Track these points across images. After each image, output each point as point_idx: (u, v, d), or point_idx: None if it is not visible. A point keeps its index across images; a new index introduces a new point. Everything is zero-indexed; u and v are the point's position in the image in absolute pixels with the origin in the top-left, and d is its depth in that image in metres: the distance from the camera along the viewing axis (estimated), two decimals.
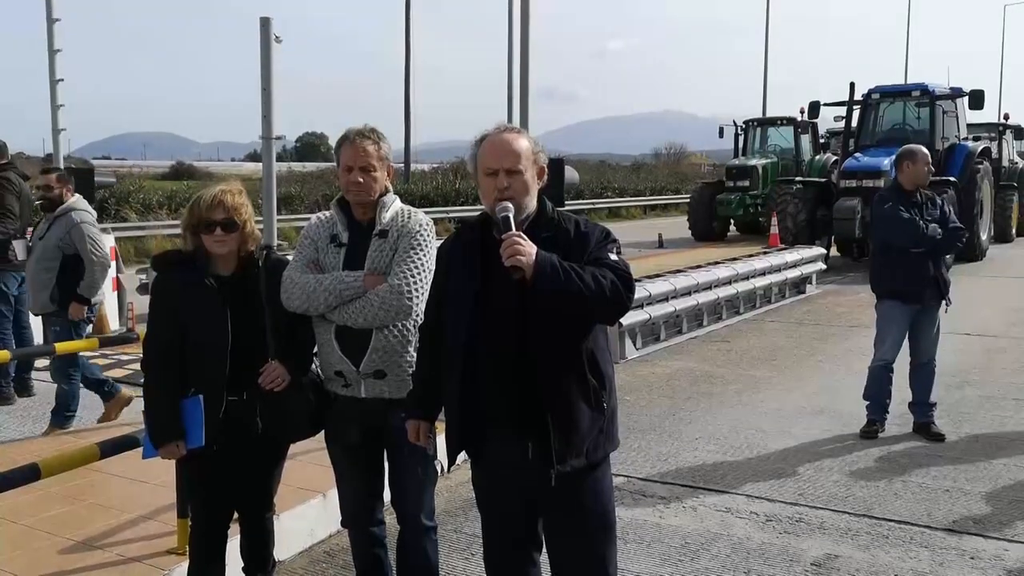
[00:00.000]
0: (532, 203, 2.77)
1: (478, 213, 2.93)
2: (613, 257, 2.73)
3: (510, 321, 2.69)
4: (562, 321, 2.67)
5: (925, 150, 6.26)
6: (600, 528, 2.87)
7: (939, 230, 6.10)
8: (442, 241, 3.06)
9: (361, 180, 3.22)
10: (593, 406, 2.74)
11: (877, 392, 6.43)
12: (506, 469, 2.82)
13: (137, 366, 7.85)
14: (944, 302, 6.28)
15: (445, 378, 2.88)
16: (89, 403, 7.06)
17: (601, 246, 2.75)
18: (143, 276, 10.85)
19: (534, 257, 2.56)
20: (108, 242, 10.45)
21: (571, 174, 18.78)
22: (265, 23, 6.15)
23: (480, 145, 2.80)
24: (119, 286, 10.44)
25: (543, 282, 2.56)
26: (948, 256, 6.43)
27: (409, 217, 3.32)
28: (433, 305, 3.02)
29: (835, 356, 9.21)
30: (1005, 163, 22.11)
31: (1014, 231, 21.79)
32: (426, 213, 3.44)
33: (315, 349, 3.40)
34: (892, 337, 6.36)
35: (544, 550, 2.98)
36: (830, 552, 4.42)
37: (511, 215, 2.66)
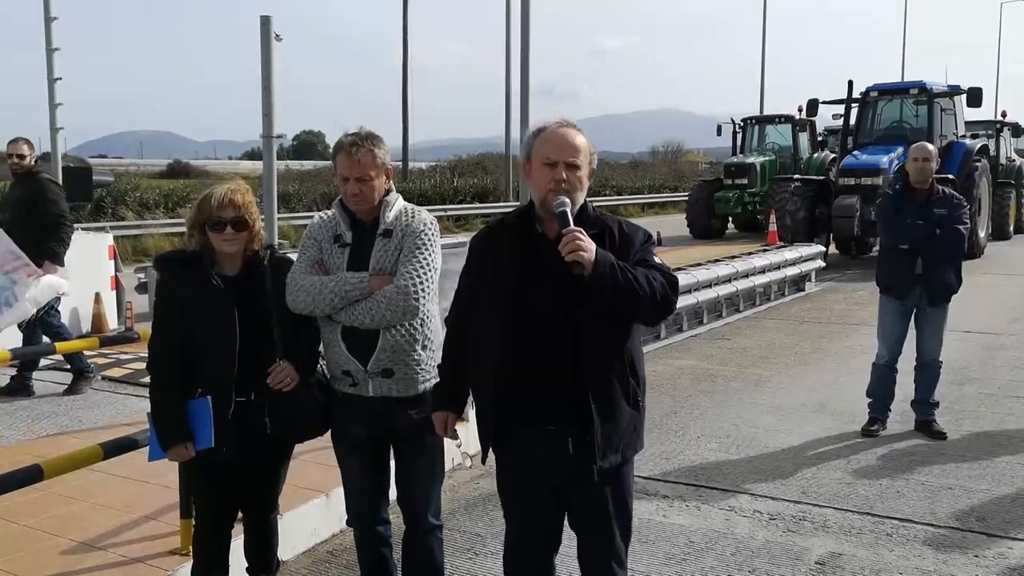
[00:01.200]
0: (581, 201, 2.77)
1: (516, 206, 2.92)
2: (657, 260, 2.78)
3: (553, 315, 2.70)
4: (609, 319, 2.70)
5: (927, 146, 6.17)
6: (623, 523, 2.93)
7: (922, 228, 5.99)
8: (475, 233, 3.06)
9: (359, 191, 3.20)
10: (631, 405, 2.79)
11: (877, 390, 6.42)
12: (541, 462, 2.83)
13: (137, 366, 7.87)
14: (931, 302, 6.16)
15: (478, 370, 2.88)
16: (91, 402, 7.05)
17: (645, 248, 2.79)
18: (141, 275, 10.84)
19: (594, 253, 2.57)
20: (107, 241, 10.50)
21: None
22: (265, 21, 6.13)
23: (538, 136, 2.80)
24: (117, 285, 10.42)
25: (601, 279, 2.58)
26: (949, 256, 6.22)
27: (413, 216, 3.30)
28: (465, 296, 3.00)
29: (836, 353, 9.22)
30: (1003, 160, 22.15)
31: (1012, 228, 21.82)
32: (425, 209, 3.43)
33: (321, 348, 3.39)
34: (890, 333, 6.36)
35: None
36: (834, 551, 4.42)
37: (568, 209, 2.67)
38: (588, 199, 2.83)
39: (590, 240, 2.59)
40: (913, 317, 6.31)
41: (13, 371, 7.30)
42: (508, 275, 2.77)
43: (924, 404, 6.35)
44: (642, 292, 2.62)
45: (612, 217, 2.88)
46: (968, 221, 6.18)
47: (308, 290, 3.19)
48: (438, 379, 3.18)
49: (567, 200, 2.68)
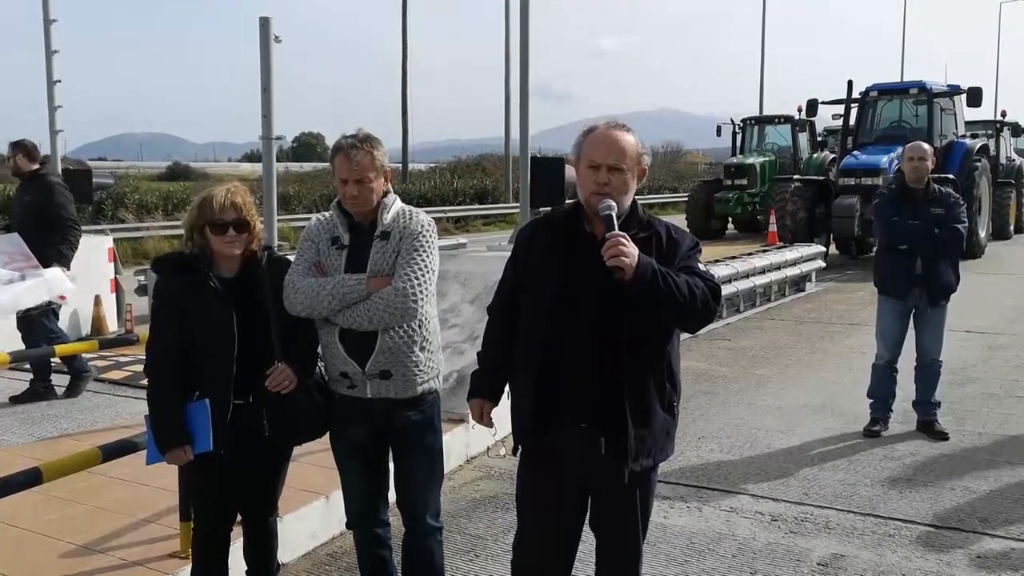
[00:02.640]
0: (628, 202, 2.77)
1: (569, 204, 2.94)
2: (702, 267, 2.79)
3: (595, 316, 2.72)
4: (650, 324, 2.72)
5: (922, 145, 6.15)
6: (645, 527, 2.96)
7: (918, 228, 5.97)
8: (522, 226, 3.06)
9: (357, 193, 3.19)
10: (666, 409, 2.81)
11: (878, 390, 6.40)
12: (571, 459, 2.84)
13: (136, 368, 7.85)
14: (931, 302, 6.15)
15: (519, 364, 2.89)
16: (90, 405, 7.04)
17: (691, 255, 2.80)
18: (141, 277, 10.82)
19: (636, 259, 2.58)
20: (106, 243, 10.50)
21: (571, 173, 18.78)
22: (264, 23, 6.13)
23: (587, 137, 2.81)
24: (117, 287, 10.42)
25: (642, 284, 2.59)
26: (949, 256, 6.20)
27: (411, 218, 3.29)
28: (508, 289, 3.02)
29: (836, 354, 9.20)
30: (1003, 160, 22.15)
31: (1012, 228, 21.81)
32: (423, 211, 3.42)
33: (319, 350, 3.38)
34: (888, 333, 6.34)
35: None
36: (836, 552, 4.40)
37: (614, 213, 2.67)
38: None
39: (633, 245, 2.60)
40: (912, 317, 6.29)
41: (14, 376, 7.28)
42: (553, 271, 2.78)
43: (925, 404, 6.34)
44: (683, 299, 2.63)
45: (661, 221, 2.88)
46: (966, 220, 6.16)
47: (306, 292, 3.18)
48: (468, 370, 3.19)
49: (613, 203, 2.68)
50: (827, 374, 8.29)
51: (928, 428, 6.26)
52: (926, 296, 6.14)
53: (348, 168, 3.18)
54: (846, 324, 10.92)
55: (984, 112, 21.30)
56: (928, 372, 6.32)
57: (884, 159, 16.75)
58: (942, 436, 6.16)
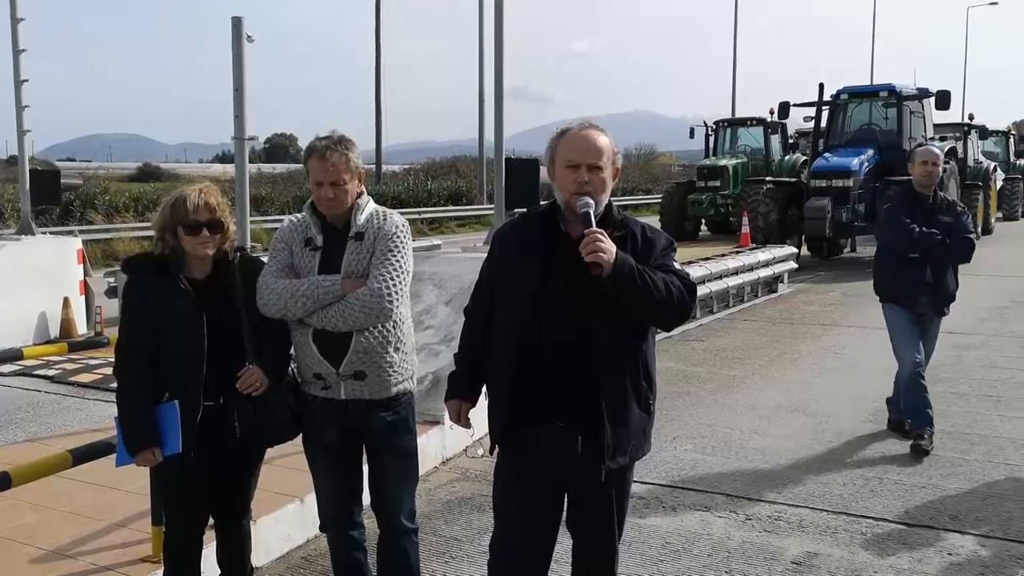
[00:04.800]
0: (604, 202, 2.79)
1: (545, 203, 2.95)
2: (677, 266, 2.81)
3: (571, 315, 2.73)
4: (625, 321, 2.74)
5: (933, 149, 5.98)
6: (621, 524, 2.98)
7: (937, 237, 5.81)
8: (497, 227, 3.06)
9: (332, 195, 3.18)
10: (642, 408, 2.83)
11: (918, 402, 6.00)
12: (547, 458, 2.83)
13: (107, 371, 7.76)
14: (936, 311, 6.04)
15: (495, 362, 2.90)
16: (59, 408, 6.95)
17: (666, 253, 2.83)
18: (111, 279, 10.71)
19: (614, 256, 2.59)
20: (75, 245, 10.37)
21: (546, 175, 18.81)
22: (237, 22, 6.08)
23: (562, 138, 2.82)
24: (87, 289, 10.30)
25: (619, 281, 2.61)
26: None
27: (385, 219, 3.28)
28: (485, 290, 3.03)
29: (809, 354, 9.28)
30: (971, 163, 22.44)
31: (980, 230, 22.10)
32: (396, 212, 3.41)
33: (291, 351, 3.35)
34: (906, 339, 6.03)
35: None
36: (810, 550, 4.44)
37: (591, 211, 2.69)
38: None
39: (611, 242, 2.62)
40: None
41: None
42: (530, 271, 2.79)
43: (900, 405, 6.32)
44: (659, 296, 2.66)
45: (637, 221, 2.90)
46: (974, 229, 5.97)
47: (280, 294, 3.16)
48: (446, 370, 3.17)
49: (590, 201, 2.71)
50: (800, 374, 8.35)
51: (900, 427, 6.28)
52: (932, 305, 6.00)
53: (323, 170, 3.17)
54: (818, 325, 11.01)
55: (952, 115, 21.57)
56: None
57: (854, 161, 16.93)
58: (916, 438, 6.04)
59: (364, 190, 3.31)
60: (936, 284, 5.95)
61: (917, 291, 5.95)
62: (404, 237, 3.28)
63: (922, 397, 5.98)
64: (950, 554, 4.38)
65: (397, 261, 3.21)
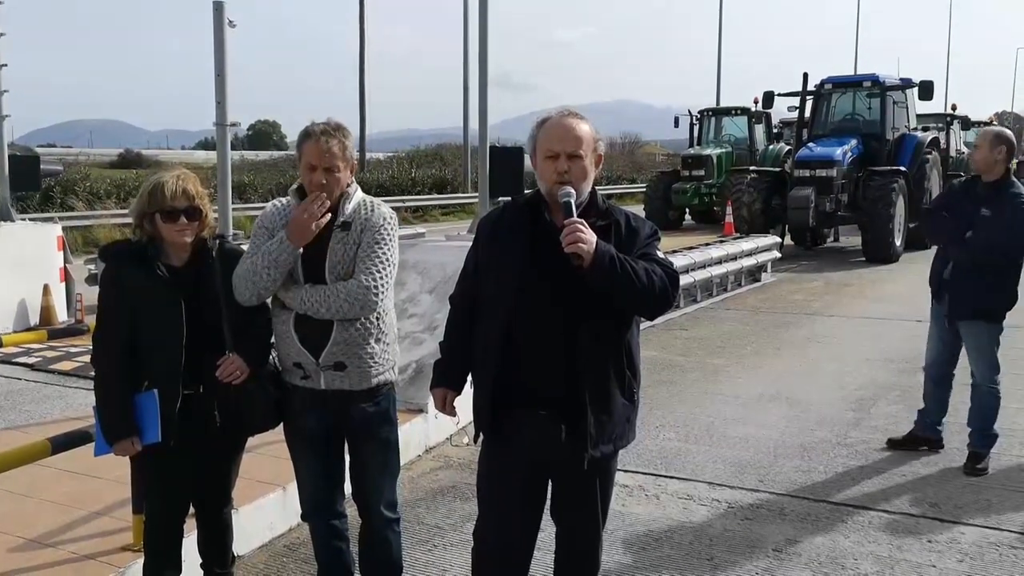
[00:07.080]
0: (587, 190, 2.79)
1: (528, 192, 2.94)
2: (660, 255, 2.81)
3: (554, 304, 2.73)
4: (608, 310, 2.73)
5: (1002, 131, 5.24)
6: (605, 513, 2.99)
7: (968, 234, 5.18)
8: (482, 216, 3.05)
9: (325, 181, 3.15)
10: (626, 396, 2.83)
11: (932, 407, 5.74)
12: (531, 446, 2.84)
13: (86, 359, 7.71)
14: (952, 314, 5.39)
15: (480, 351, 2.89)
16: (39, 396, 6.90)
17: (650, 242, 2.82)
18: (92, 266, 10.62)
19: (594, 246, 2.59)
20: (55, 232, 10.28)
21: (530, 163, 18.81)
22: (218, 7, 6.03)
23: (541, 127, 2.82)
24: (67, 277, 10.21)
25: (599, 271, 2.61)
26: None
27: (372, 210, 3.25)
28: (469, 276, 3.02)
29: (792, 343, 9.32)
30: (953, 153, 22.54)
31: None
32: (383, 203, 3.39)
33: (272, 339, 3.33)
34: (930, 336, 5.69)
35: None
36: (791, 537, 4.46)
37: (573, 200, 2.69)
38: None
39: (591, 232, 2.62)
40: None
41: None
42: (514, 259, 2.78)
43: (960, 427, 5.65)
44: (640, 285, 2.66)
45: (621, 209, 2.89)
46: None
47: (244, 276, 3.13)
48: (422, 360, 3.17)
49: (572, 191, 2.71)
50: (783, 363, 8.39)
51: (973, 459, 5.44)
52: (948, 305, 5.42)
53: (319, 155, 3.13)
54: (801, 314, 11.06)
55: (935, 105, 21.62)
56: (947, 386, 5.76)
57: (838, 151, 17.00)
58: (978, 472, 5.35)
59: (354, 180, 3.29)
60: (953, 283, 5.34)
61: (937, 287, 5.49)
62: (391, 229, 3.26)
63: (939, 403, 5.70)
64: (930, 541, 4.41)
65: (384, 254, 3.19)
